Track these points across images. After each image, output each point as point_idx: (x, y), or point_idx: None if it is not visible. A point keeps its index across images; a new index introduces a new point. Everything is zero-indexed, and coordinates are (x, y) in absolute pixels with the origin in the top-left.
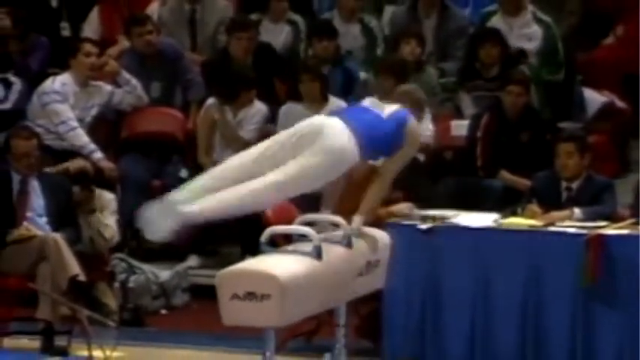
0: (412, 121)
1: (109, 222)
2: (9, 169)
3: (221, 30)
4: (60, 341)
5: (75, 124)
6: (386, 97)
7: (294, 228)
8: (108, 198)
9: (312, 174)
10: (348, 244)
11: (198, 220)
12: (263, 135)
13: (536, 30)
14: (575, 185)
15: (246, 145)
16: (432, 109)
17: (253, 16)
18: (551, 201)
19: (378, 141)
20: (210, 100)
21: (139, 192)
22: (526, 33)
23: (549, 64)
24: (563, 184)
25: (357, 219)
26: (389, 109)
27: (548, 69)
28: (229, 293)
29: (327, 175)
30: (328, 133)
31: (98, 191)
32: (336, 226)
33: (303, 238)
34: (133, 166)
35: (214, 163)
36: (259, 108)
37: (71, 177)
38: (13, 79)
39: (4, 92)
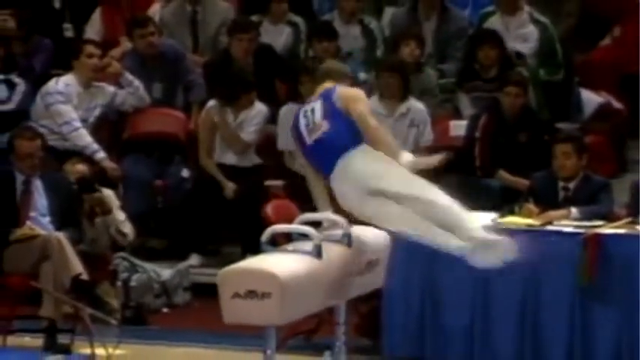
0: (335, 93)
1: (122, 217)
2: (12, 169)
3: (222, 31)
4: (63, 339)
5: (78, 124)
6: (390, 94)
7: (295, 227)
8: (109, 194)
9: None
10: (348, 244)
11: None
12: (264, 136)
13: (532, 30)
14: (572, 185)
15: (246, 146)
16: (431, 109)
17: (254, 18)
18: (548, 201)
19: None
20: (211, 103)
21: (141, 192)
22: (522, 33)
23: (548, 65)
24: (561, 183)
25: (404, 155)
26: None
27: (548, 69)
28: (230, 292)
29: None
30: None
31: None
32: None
33: (303, 237)
34: (136, 166)
35: (215, 164)
36: (260, 109)
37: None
38: (16, 80)
39: (7, 93)
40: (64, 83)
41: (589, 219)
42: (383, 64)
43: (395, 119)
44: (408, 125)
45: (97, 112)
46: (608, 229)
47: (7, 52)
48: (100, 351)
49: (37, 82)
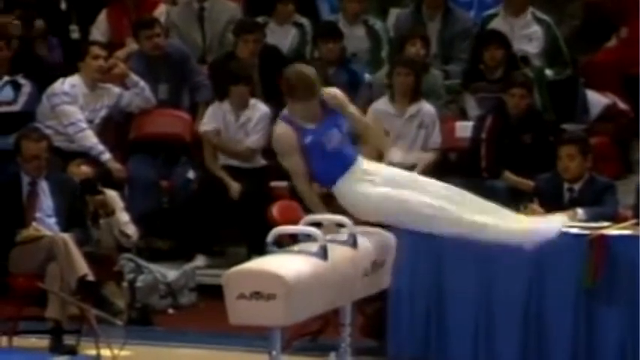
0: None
1: (126, 219)
2: (18, 170)
3: (229, 29)
4: (69, 340)
5: (84, 125)
6: (403, 92)
7: (300, 228)
8: (113, 196)
9: None
10: (354, 245)
11: None
12: (269, 137)
13: (536, 30)
14: (577, 186)
15: (252, 152)
16: (437, 110)
17: (260, 19)
18: (554, 202)
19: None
20: (208, 127)
21: (147, 193)
22: (527, 33)
23: (555, 64)
24: (566, 185)
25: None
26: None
27: (554, 68)
28: (236, 293)
29: None
30: None
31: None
32: (341, 226)
33: (308, 238)
34: (141, 167)
35: (220, 166)
36: (263, 111)
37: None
38: (22, 81)
39: (13, 94)
40: (70, 84)
41: (595, 220)
42: (399, 60)
43: (404, 120)
44: (417, 126)
45: (102, 113)
46: (613, 231)
47: (13, 53)
48: (105, 352)
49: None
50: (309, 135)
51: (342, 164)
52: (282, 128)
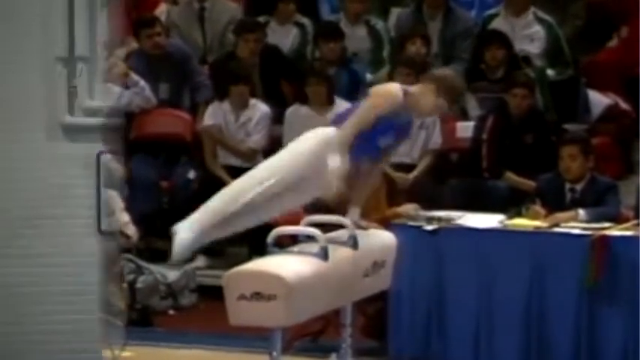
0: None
1: (126, 219)
2: None
3: (230, 28)
4: None
5: None
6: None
7: (301, 229)
8: (113, 196)
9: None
10: (354, 245)
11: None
12: (269, 137)
13: (538, 30)
14: (579, 187)
15: (254, 152)
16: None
17: (261, 19)
18: (555, 202)
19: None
20: (208, 122)
21: (147, 193)
22: (529, 33)
23: (556, 64)
24: (568, 185)
25: (353, 210)
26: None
27: (556, 68)
28: (236, 293)
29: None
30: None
31: None
32: (342, 227)
33: (309, 238)
34: (142, 166)
35: (221, 166)
36: (263, 111)
37: None
38: None
39: None
40: None
41: (596, 221)
42: (400, 59)
43: None
44: (417, 127)
45: None
46: (615, 231)
47: None
48: (106, 353)
49: None
50: (394, 116)
51: (364, 155)
52: (399, 89)
